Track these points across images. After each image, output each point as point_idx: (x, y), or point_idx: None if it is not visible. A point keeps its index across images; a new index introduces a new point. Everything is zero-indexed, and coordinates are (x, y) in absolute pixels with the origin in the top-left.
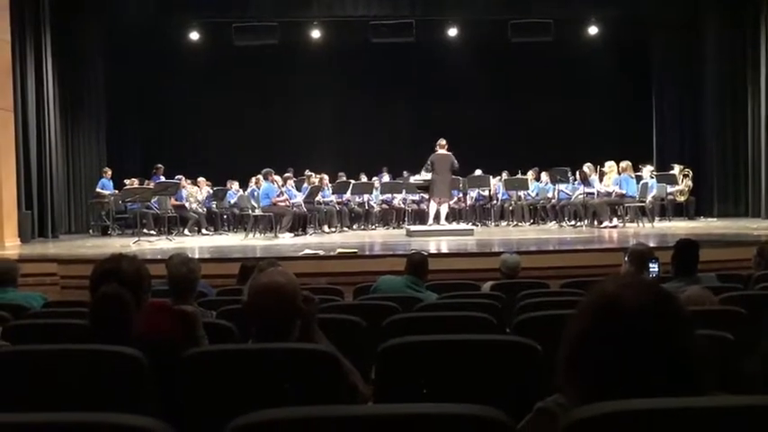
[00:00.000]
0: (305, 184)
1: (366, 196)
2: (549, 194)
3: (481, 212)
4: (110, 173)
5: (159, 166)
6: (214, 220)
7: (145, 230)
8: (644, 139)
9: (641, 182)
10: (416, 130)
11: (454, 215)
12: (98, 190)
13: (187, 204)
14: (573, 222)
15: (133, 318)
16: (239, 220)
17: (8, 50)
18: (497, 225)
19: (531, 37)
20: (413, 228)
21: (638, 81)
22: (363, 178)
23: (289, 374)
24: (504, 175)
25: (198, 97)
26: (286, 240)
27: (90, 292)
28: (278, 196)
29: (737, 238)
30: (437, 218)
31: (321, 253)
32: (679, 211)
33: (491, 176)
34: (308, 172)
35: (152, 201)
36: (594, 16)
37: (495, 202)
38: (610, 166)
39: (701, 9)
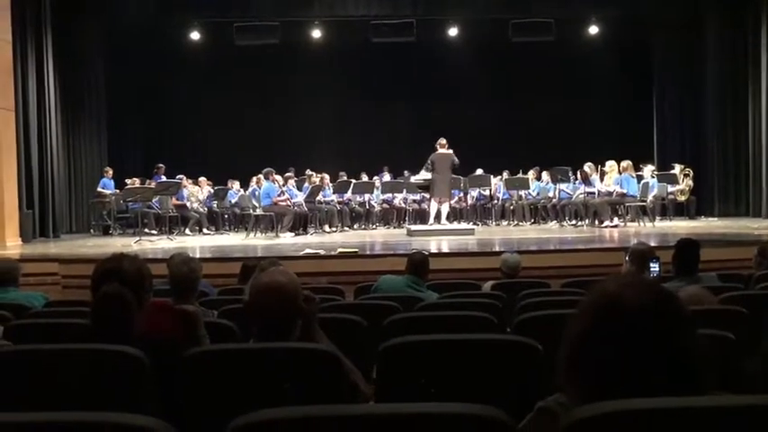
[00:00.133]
0: (306, 184)
1: (367, 196)
2: (550, 194)
3: (482, 212)
4: (111, 172)
5: (160, 165)
6: (215, 220)
7: (146, 230)
8: (645, 139)
9: (642, 181)
10: (417, 130)
11: (455, 215)
12: (99, 189)
13: (188, 204)
14: (574, 222)
15: (134, 317)
16: (240, 220)
17: (9, 51)
18: (498, 224)
19: (531, 36)
20: (414, 227)
21: (639, 81)
22: (364, 178)
23: (290, 374)
24: (505, 174)
25: (199, 97)
26: (287, 240)
27: (91, 292)
28: (279, 196)
29: (738, 238)
30: (438, 217)
31: (322, 252)
32: (680, 210)
33: (492, 176)
34: (308, 171)
35: (153, 200)
36: (595, 16)
37: (495, 201)
38: (611, 165)
39: (702, 9)
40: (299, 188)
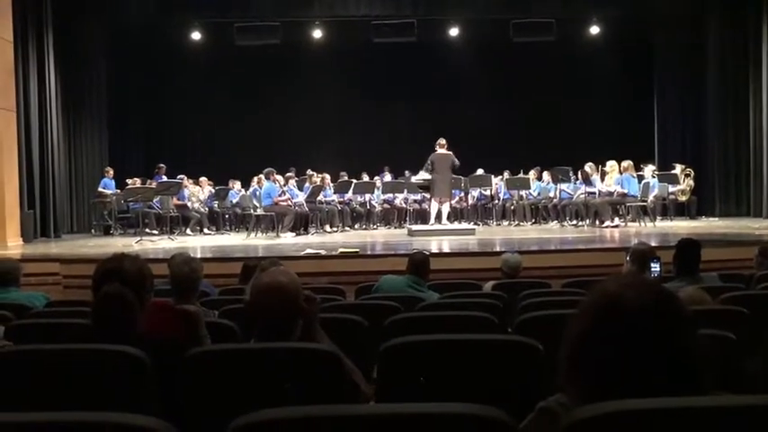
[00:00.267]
0: (307, 184)
1: (368, 196)
2: (551, 194)
3: (483, 212)
4: (112, 172)
5: (161, 165)
6: (216, 220)
7: (147, 230)
8: (645, 139)
9: (643, 181)
10: (418, 130)
11: (456, 215)
12: (100, 189)
13: (189, 204)
14: (574, 222)
15: (136, 317)
16: (241, 220)
17: (10, 51)
18: (499, 224)
19: (532, 37)
20: (414, 227)
21: (640, 81)
22: (365, 178)
23: (291, 374)
24: (506, 174)
25: (200, 97)
26: (288, 240)
27: (92, 292)
28: (280, 196)
29: (739, 238)
30: (438, 218)
31: (323, 252)
32: (681, 210)
33: (493, 176)
34: (309, 171)
35: (154, 200)
36: (596, 16)
37: (496, 201)
38: (611, 165)
39: (703, 8)
40: (300, 188)
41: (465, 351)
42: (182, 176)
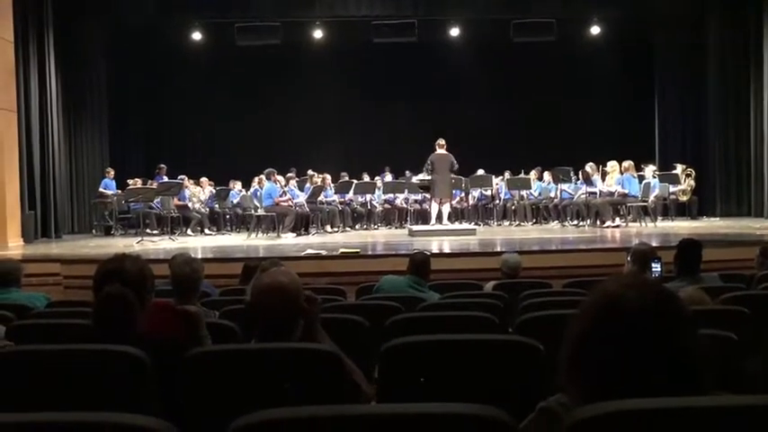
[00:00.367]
0: (307, 184)
1: (368, 196)
2: (552, 194)
3: (483, 212)
4: (112, 173)
5: (162, 166)
6: (217, 220)
7: (148, 230)
8: (646, 139)
9: (644, 181)
10: (419, 130)
11: (456, 215)
12: (101, 190)
13: (190, 204)
14: (575, 222)
15: (136, 318)
16: (242, 220)
17: (11, 51)
18: (500, 225)
19: (533, 37)
20: (415, 227)
21: (641, 81)
22: (366, 178)
23: (291, 374)
24: (507, 174)
25: (200, 97)
26: (289, 240)
27: (93, 292)
28: (280, 196)
29: (740, 238)
30: (439, 218)
31: (324, 253)
32: (681, 210)
33: (493, 176)
34: (310, 172)
35: (155, 201)
36: (596, 16)
37: (497, 201)
38: (612, 165)
39: (704, 8)
40: (301, 188)
41: (466, 351)
42: (182, 177)
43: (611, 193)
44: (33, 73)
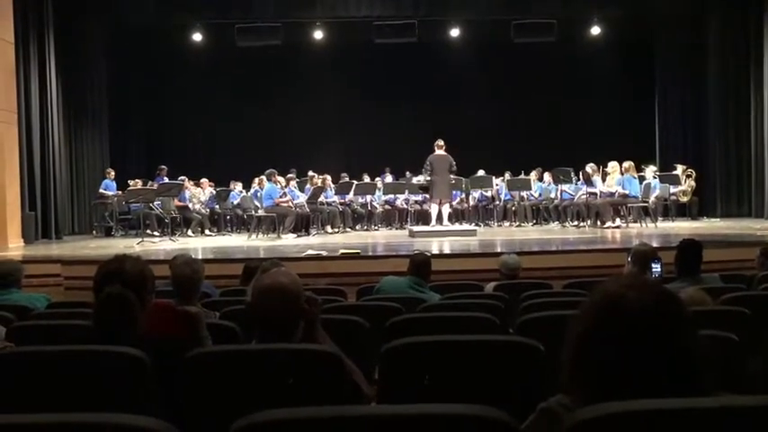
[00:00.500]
0: (308, 185)
1: (369, 197)
2: (552, 195)
3: (484, 213)
4: (113, 174)
5: (163, 167)
6: (217, 221)
7: (148, 231)
8: (647, 139)
9: (644, 182)
10: (419, 131)
11: (457, 216)
12: (101, 191)
13: (190, 205)
14: (576, 223)
15: (137, 319)
16: (242, 221)
17: (11, 52)
18: (500, 225)
19: (533, 37)
20: (416, 228)
21: (641, 81)
22: (366, 179)
23: (292, 375)
24: (507, 175)
25: (201, 98)
26: (289, 241)
27: (94, 293)
28: (281, 197)
29: (741, 239)
30: (440, 218)
31: (324, 254)
32: (682, 211)
33: (494, 177)
34: (310, 173)
35: (155, 202)
36: (597, 16)
37: (497, 202)
38: (612, 166)
39: (704, 8)
40: (301, 189)
41: (466, 352)
42: (183, 178)
43: (612, 194)
44: (34, 73)
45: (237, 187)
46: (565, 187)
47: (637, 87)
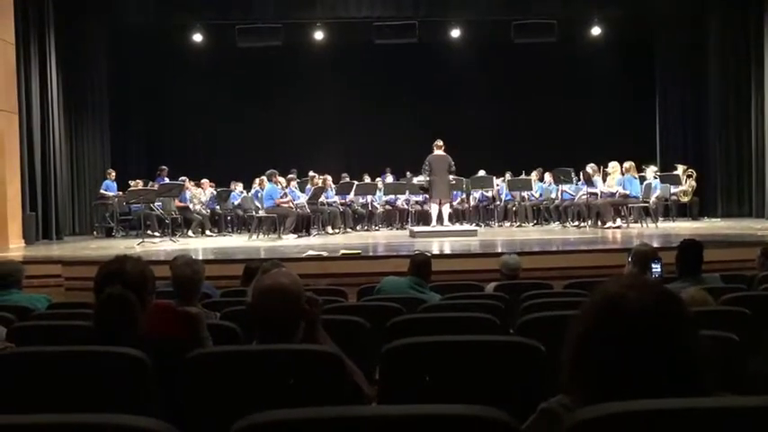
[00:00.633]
0: (308, 186)
1: (369, 197)
2: (553, 195)
3: (484, 213)
4: (113, 174)
5: (163, 167)
6: (218, 222)
7: (149, 232)
8: (647, 139)
9: (645, 182)
10: (420, 131)
11: (457, 216)
12: (102, 191)
13: (191, 206)
14: (576, 223)
15: (137, 319)
16: (243, 222)
17: (12, 52)
18: (501, 226)
19: (534, 38)
20: (416, 228)
21: (641, 81)
22: (367, 179)
23: (293, 376)
24: (508, 175)
25: (201, 99)
26: (290, 241)
27: (94, 294)
28: (281, 197)
29: (741, 239)
30: (440, 219)
31: (325, 254)
32: (683, 211)
33: (494, 177)
34: (311, 173)
35: (156, 202)
36: (597, 16)
37: (498, 202)
38: (613, 166)
39: (704, 8)
40: (302, 190)
41: (467, 352)
42: (183, 178)
43: (613, 194)
44: (34, 74)
45: (238, 188)
46: (565, 187)
47: (637, 87)
